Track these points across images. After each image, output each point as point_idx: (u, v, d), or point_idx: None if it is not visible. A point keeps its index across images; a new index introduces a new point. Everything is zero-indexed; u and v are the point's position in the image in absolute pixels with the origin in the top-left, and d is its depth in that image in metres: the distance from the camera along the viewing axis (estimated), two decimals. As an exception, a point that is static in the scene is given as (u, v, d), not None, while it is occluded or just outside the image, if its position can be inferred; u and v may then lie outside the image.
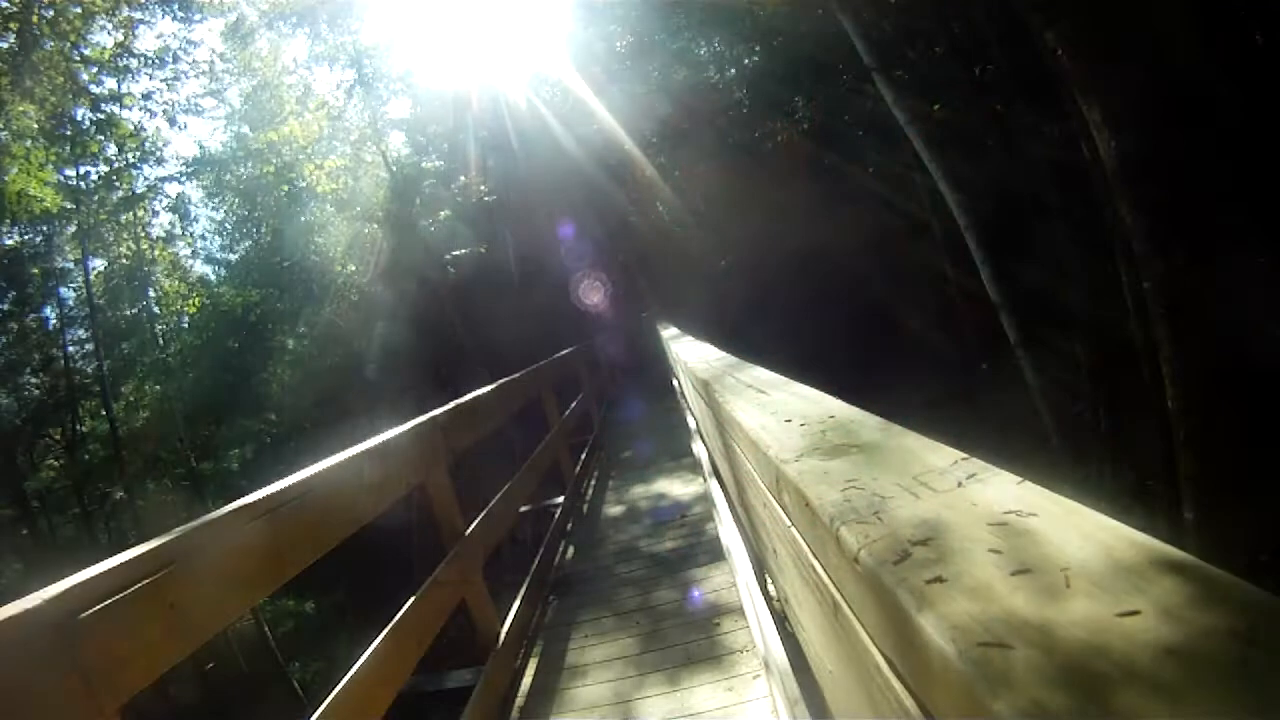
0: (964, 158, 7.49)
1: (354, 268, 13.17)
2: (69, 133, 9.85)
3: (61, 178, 9.99)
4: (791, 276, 10.25)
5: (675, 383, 5.91)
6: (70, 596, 0.83)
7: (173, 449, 11.75)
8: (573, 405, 5.83)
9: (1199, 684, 0.25)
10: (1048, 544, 0.37)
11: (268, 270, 13.32)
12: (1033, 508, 0.41)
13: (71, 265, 11.70)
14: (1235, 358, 2.64)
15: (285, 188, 12.99)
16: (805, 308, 10.07)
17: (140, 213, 11.73)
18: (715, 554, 3.28)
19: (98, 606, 0.85)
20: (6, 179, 8.15)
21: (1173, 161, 2.71)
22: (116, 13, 9.68)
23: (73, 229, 11.02)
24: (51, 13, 8.40)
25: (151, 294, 12.34)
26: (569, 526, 4.36)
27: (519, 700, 2.38)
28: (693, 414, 3.93)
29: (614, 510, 4.76)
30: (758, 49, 11.59)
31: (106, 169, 10.76)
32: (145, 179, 11.74)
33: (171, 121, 11.74)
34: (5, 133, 8.47)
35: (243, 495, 1.29)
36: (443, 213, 12.01)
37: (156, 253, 12.43)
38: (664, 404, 7.05)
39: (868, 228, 9.45)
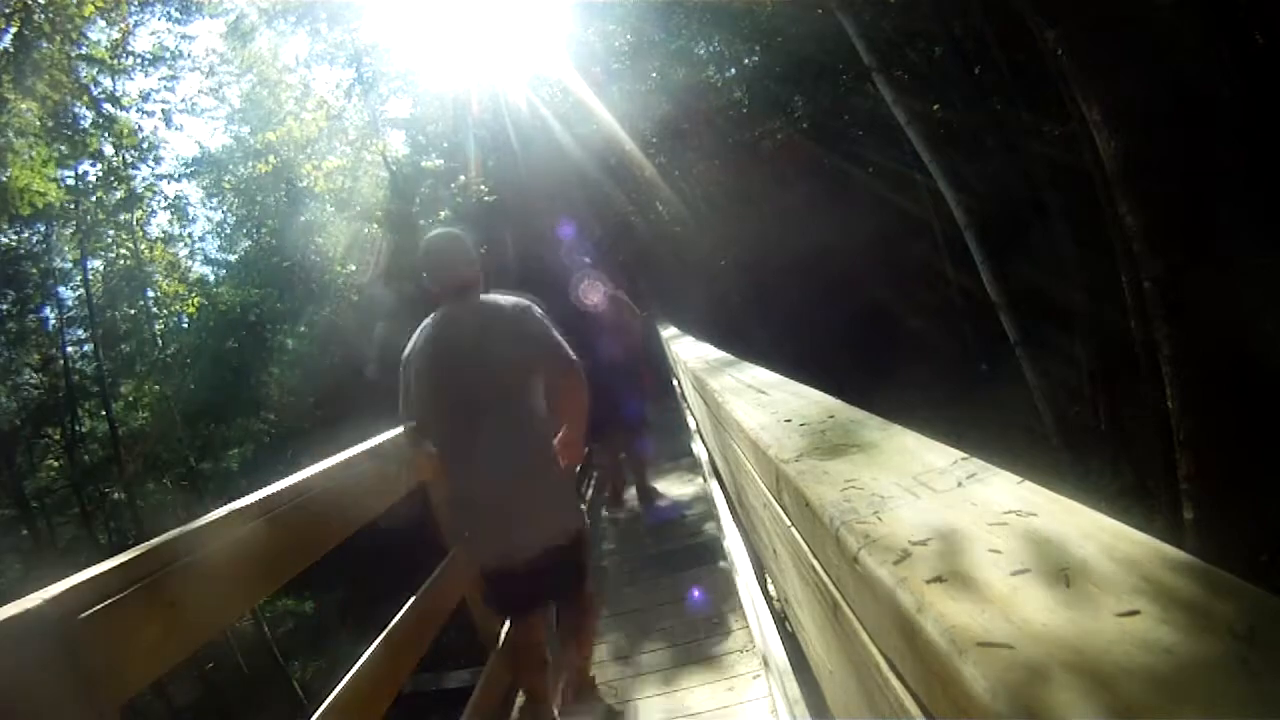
0: (964, 158, 7.49)
1: (354, 267, 13.15)
2: (68, 132, 9.82)
3: (61, 176, 9.96)
4: (791, 276, 10.24)
5: (675, 383, 5.90)
6: (70, 596, 0.83)
7: (172, 449, 11.74)
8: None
9: (1199, 683, 0.25)
10: (1047, 543, 0.37)
11: (267, 270, 13.29)
12: (1033, 507, 0.41)
13: (70, 265, 11.69)
14: (1235, 358, 2.63)
15: (284, 187, 12.98)
16: (805, 307, 10.07)
17: (139, 213, 11.71)
18: (715, 554, 3.28)
19: (98, 606, 0.85)
20: (9, 175, 8.11)
21: (1172, 161, 2.71)
22: (114, 11, 9.65)
23: (71, 229, 11.01)
24: (51, 13, 8.38)
25: (150, 294, 12.33)
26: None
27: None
28: (693, 414, 3.93)
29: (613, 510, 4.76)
30: (757, 49, 11.58)
31: (105, 168, 10.74)
32: (144, 179, 11.75)
33: (168, 121, 11.73)
34: (8, 130, 8.44)
35: (242, 495, 1.29)
36: (443, 213, 11.99)
37: (155, 253, 12.41)
38: (664, 404, 7.04)
39: (868, 228, 9.45)
